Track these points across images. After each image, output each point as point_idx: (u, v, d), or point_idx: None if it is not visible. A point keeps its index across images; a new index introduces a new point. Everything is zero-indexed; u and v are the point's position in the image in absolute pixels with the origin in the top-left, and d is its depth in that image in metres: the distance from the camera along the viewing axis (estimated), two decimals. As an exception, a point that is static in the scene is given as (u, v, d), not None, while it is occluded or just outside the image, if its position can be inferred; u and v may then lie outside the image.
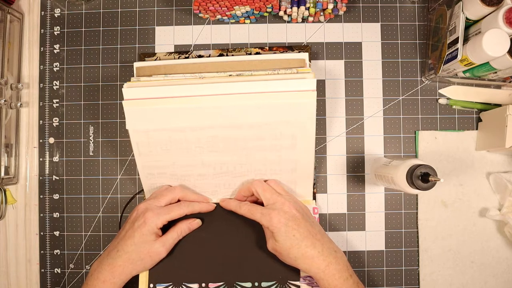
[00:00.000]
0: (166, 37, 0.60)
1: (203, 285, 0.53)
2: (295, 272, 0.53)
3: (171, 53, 0.60)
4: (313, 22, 0.59)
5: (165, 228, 0.52)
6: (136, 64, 0.55)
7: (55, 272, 0.59)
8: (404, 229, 0.59)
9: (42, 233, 0.59)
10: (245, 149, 0.52)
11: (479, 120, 0.59)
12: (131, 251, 0.48)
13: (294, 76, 0.50)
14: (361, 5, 0.60)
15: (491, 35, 0.47)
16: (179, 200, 0.54)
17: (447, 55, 0.53)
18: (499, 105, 0.57)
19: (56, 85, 0.60)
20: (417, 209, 0.59)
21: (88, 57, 0.60)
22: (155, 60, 0.59)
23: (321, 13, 0.57)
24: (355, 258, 0.58)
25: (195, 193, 0.55)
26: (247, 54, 0.59)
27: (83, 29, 0.60)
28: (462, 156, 0.59)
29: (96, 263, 0.50)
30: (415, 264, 0.58)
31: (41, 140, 0.60)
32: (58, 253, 0.59)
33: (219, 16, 0.58)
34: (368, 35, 0.59)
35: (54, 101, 0.60)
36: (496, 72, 0.53)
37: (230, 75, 0.51)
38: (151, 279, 0.53)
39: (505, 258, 0.58)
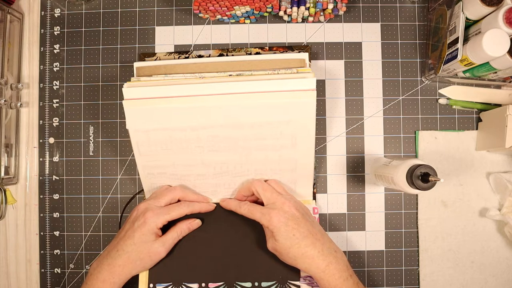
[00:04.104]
0: (166, 37, 0.60)
1: (203, 285, 0.53)
2: (295, 272, 0.53)
3: (171, 53, 0.60)
4: (313, 22, 0.59)
5: (165, 228, 0.52)
6: (136, 64, 0.55)
7: (55, 272, 0.59)
8: (404, 229, 0.59)
9: (42, 233, 0.59)
10: (245, 149, 0.52)
11: (479, 120, 0.59)
12: (130, 251, 0.48)
13: (294, 76, 0.50)
14: (361, 5, 0.60)
15: (491, 35, 0.47)
16: (179, 200, 0.54)
17: (447, 55, 0.53)
18: (499, 105, 0.57)
19: (56, 85, 0.60)
20: (417, 209, 0.59)
21: (88, 57, 0.60)
22: (155, 60, 0.59)
23: (321, 13, 0.57)
24: (355, 258, 0.58)
25: (195, 193, 0.55)
26: (247, 54, 0.59)
27: (83, 29, 0.60)
28: (462, 156, 0.59)
29: (96, 263, 0.50)
30: (415, 264, 0.58)
31: (41, 140, 0.60)
32: (58, 253, 0.59)
33: (219, 16, 0.58)
34: (368, 35, 0.59)
35: (54, 101, 0.60)
36: (496, 72, 0.53)
37: (230, 75, 0.51)
38: (151, 279, 0.53)
39: (505, 258, 0.58)
